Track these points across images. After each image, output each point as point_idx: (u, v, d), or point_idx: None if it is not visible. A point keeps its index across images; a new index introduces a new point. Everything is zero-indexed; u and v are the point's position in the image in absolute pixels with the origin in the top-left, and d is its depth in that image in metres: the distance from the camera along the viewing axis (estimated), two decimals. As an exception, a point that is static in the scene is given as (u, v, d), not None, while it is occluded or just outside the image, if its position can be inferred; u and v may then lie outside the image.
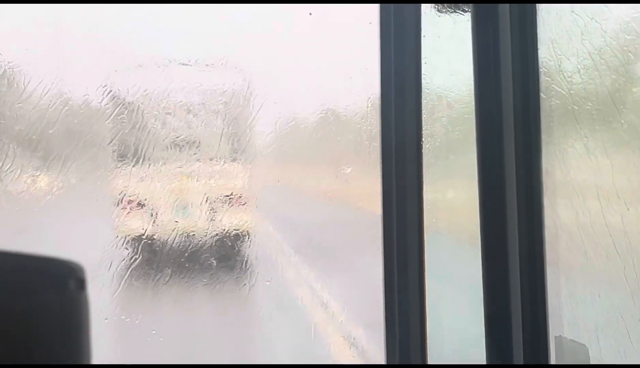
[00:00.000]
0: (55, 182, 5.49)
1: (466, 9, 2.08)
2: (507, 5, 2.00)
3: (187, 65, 5.74)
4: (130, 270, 5.42)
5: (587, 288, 2.03)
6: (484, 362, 2.05)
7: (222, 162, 6.03)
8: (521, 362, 1.97)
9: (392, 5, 2.27)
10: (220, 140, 5.96)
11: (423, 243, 2.35)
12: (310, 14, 4.46)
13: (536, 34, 2.01)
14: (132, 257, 5.49)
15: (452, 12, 2.17)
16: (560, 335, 1.94)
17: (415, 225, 2.35)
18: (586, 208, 2.02)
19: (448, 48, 2.36)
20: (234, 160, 6.00)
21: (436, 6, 2.19)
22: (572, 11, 2.00)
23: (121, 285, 5.37)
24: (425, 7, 2.22)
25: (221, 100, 5.96)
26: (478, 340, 2.04)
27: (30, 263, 0.77)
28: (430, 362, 2.34)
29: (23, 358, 0.75)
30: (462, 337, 2.58)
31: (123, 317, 5.21)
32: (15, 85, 4.79)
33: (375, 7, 2.32)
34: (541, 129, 2.03)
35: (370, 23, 2.29)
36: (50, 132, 5.32)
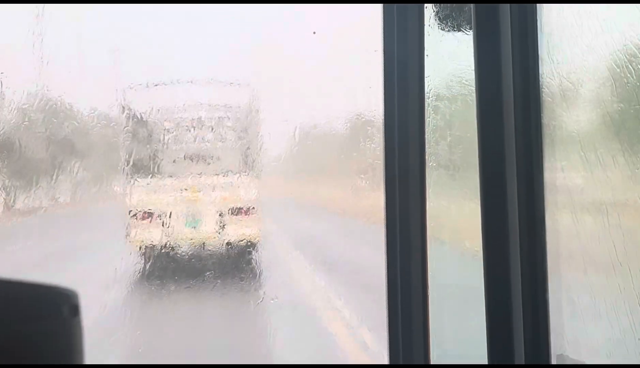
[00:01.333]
0: (69, 196, 5.57)
1: (469, 28, 2.10)
2: (508, 5, 2.01)
3: (197, 83, 5.87)
4: (141, 278, 5.48)
5: (590, 303, 2.04)
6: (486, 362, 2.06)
7: (231, 175, 6.13)
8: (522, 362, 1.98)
9: (394, 16, 2.30)
10: (230, 154, 6.10)
11: (426, 247, 2.38)
12: (315, 33, 4.53)
13: (537, 34, 2.02)
14: (143, 267, 5.56)
15: (455, 30, 2.19)
16: (562, 354, 1.95)
17: (418, 229, 2.37)
18: (588, 220, 2.03)
19: (450, 63, 2.39)
20: (243, 173, 6.14)
21: (439, 24, 2.21)
22: (573, 11, 2.01)
23: (131, 294, 5.42)
24: (428, 25, 2.25)
25: (230, 115, 6.12)
26: (480, 341, 2.05)
27: (25, 291, 0.79)
28: (432, 362, 2.37)
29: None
30: (464, 338, 2.60)
31: (134, 326, 5.25)
32: (33, 99, 4.84)
33: (378, 20, 2.35)
34: (543, 142, 2.03)
35: (375, 51, 2.32)
36: (65, 146, 5.39)
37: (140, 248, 5.68)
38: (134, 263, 5.57)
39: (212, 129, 6.19)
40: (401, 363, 2.37)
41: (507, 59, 2.01)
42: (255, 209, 6.07)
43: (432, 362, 2.37)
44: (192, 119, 6.04)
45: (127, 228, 5.68)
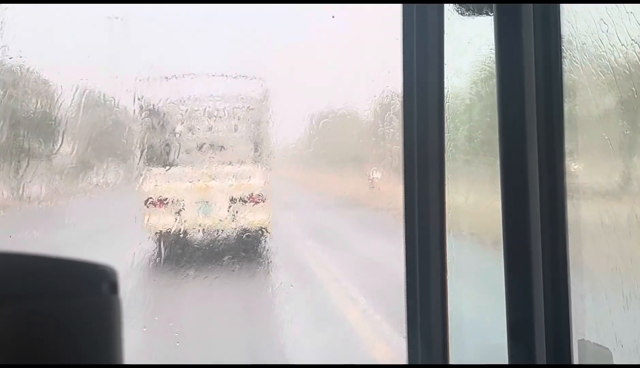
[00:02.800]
0: (89, 183, 5.69)
1: (490, 12, 2.08)
2: (531, 5, 1.99)
3: (211, 76, 6.01)
4: (156, 262, 5.60)
5: (611, 291, 2.02)
6: (506, 362, 2.04)
7: (243, 164, 6.29)
8: (544, 362, 1.96)
9: (414, 5, 2.28)
10: (242, 144, 6.25)
11: (445, 244, 2.35)
12: (333, 17, 4.50)
13: (560, 34, 2.00)
14: (158, 251, 5.67)
15: (476, 14, 2.17)
16: (583, 339, 1.93)
17: (437, 226, 2.35)
18: (610, 211, 2.01)
19: (471, 50, 2.36)
20: (255, 162, 6.29)
21: (459, 8, 2.19)
22: (597, 11, 1.99)
23: (147, 278, 5.53)
24: (448, 10, 2.22)
25: (243, 106, 6.26)
26: (500, 341, 2.03)
27: (65, 267, 0.79)
28: (451, 362, 2.35)
29: (57, 359, 0.76)
30: (484, 338, 2.58)
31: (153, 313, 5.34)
32: (48, 91, 4.95)
33: (397, 9, 2.33)
34: (564, 131, 2.02)
35: (396, 39, 2.30)
36: (83, 135, 5.49)
37: (155, 233, 5.84)
38: (149, 247, 5.70)
39: (225, 120, 6.32)
40: (420, 363, 2.35)
41: (530, 59, 1.99)
42: (265, 196, 6.22)
43: (451, 362, 2.35)
44: (206, 110, 6.17)
45: (143, 214, 5.82)
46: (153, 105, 5.75)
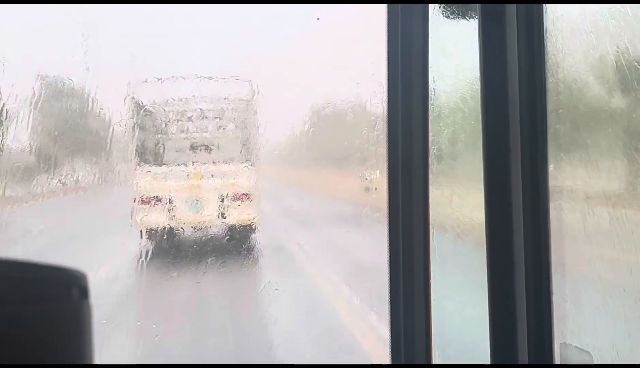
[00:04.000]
0: (81, 181, 5.79)
1: (474, 16, 2.08)
2: (514, 5, 1.99)
3: (201, 78, 6.22)
4: (147, 256, 5.74)
5: (592, 294, 2.03)
6: (488, 362, 2.05)
7: (232, 163, 6.48)
8: (526, 362, 1.97)
9: (399, 5, 2.27)
10: (231, 144, 6.50)
11: (429, 244, 2.36)
12: (318, 19, 4.51)
13: (544, 34, 2.01)
14: (150, 246, 5.75)
15: (460, 17, 2.17)
16: (564, 342, 1.94)
17: (421, 226, 2.35)
18: (592, 213, 2.02)
19: (455, 53, 2.36)
20: (242, 161, 6.51)
21: (444, 11, 2.19)
22: (581, 12, 2.00)
23: (139, 271, 5.65)
24: (433, 13, 2.22)
25: (232, 108, 6.50)
26: (483, 340, 2.04)
27: (35, 271, 0.78)
28: (435, 362, 2.35)
29: (26, 363, 0.76)
30: (467, 338, 2.59)
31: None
32: (48, 92, 5.06)
33: (382, 9, 2.33)
34: (548, 133, 2.02)
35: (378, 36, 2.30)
36: (76, 135, 5.63)
37: (146, 230, 6.08)
38: (140, 243, 5.90)
39: (213, 120, 6.56)
40: (403, 363, 2.35)
41: (514, 59, 1.99)
42: (252, 194, 6.50)
43: (435, 361, 2.35)
44: (195, 111, 6.41)
45: (133, 212, 6.03)
46: (146, 106, 6.07)
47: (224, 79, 6.56)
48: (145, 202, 6.29)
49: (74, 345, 0.79)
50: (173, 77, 6.33)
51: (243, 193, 6.60)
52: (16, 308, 0.75)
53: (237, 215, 6.54)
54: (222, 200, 6.56)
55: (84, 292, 0.80)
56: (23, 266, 0.78)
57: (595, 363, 1.86)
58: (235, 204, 6.57)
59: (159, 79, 6.18)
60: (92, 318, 0.80)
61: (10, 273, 0.77)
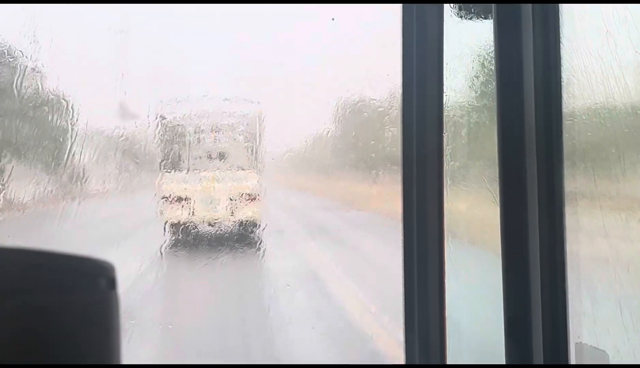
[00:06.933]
0: (119, 184, 6.82)
1: (490, 15, 2.08)
2: (530, 5, 1.99)
3: (217, 98, 7.61)
4: (171, 246, 7.09)
5: (609, 295, 2.02)
6: (503, 362, 2.04)
7: (242, 169, 7.75)
8: (541, 362, 1.96)
9: (414, 5, 2.28)
10: (241, 153, 7.81)
11: (443, 245, 2.36)
12: (333, 19, 4.54)
13: (559, 35, 2.00)
14: (173, 237, 7.25)
15: (475, 18, 2.17)
16: (580, 342, 1.94)
17: (435, 229, 2.35)
18: (609, 216, 2.01)
19: (470, 53, 2.37)
20: (251, 168, 7.80)
21: (458, 12, 2.20)
22: (598, 10, 1.99)
23: (163, 258, 6.71)
24: (447, 14, 2.23)
25: (242, 122, 7.91)
26: (498, 342, 2.04)
27: (64, 262, 0.79)
28: (449, 362, 2.35)
29: (54, 353, 0.77)
30: (482, 338, 2.58)
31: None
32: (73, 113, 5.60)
33: (397, 9, 2.33)
34: (563, 133, 2.02)
35: (393, 44, 2.32)
36: (112, 148, 6.42)
37: (170, 222, 7.37)
38: (164, 233, 7.10)
39: (227, 133, 7.87)
40: (417, 363, 2.35)
41: (529, 60, 1.99)
42: (259, 195, 7.69)
43: (449, 361, 2.34)
44: (212, 125, 7.86)
45: (160, 207, 7.32)
46: (170, 121, 7.45)
47: (236, 97, 8.01)
48: (169, 201, 7.59)
49: (102, 337, 0.79)
50: (194, 98, 7.84)
51: (251, 194, 7.82)
52: (43, 298, 0.76)
53: (244, 212, 7.80)
54: (233, 200, 7.83)
55: (111, 283, 0.80)
56: (51, 256, 0.79)
57: (612, 363, 1.85)
58: (242, 203, 7.82)
59: (181, 101, 7.76)
60: (120, 310, 0.80)
61: (38, 263, 0.78)
